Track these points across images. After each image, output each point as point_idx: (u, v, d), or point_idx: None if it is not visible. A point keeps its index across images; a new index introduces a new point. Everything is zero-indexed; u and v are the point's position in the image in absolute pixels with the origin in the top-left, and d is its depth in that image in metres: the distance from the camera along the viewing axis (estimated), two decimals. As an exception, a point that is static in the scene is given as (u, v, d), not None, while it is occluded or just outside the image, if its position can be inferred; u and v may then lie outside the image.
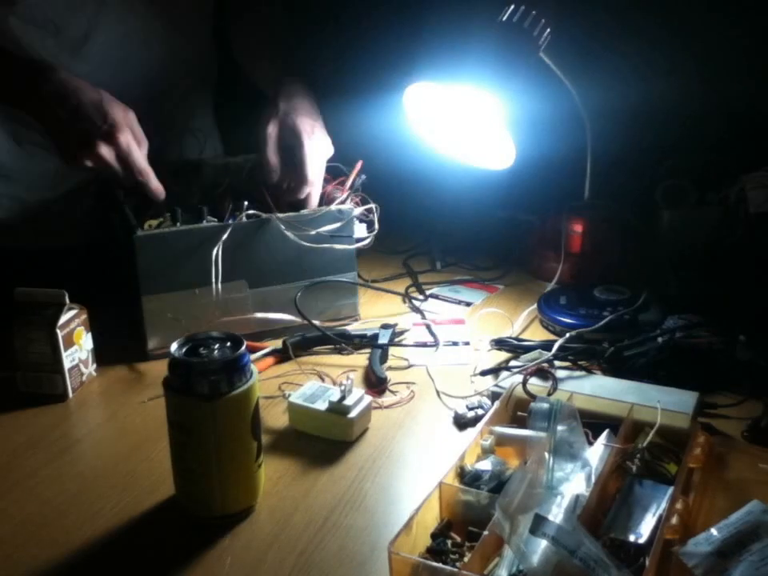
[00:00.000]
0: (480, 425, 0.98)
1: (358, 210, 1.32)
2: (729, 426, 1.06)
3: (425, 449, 1.04)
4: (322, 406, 1.05)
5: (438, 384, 1.18)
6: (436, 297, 1.47)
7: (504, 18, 1.21)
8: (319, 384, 1.10)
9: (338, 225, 1.29)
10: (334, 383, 1.16)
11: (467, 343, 1.29)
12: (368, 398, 1.07)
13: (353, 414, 1.04)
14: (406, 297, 1.45)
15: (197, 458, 0.89)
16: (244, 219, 1.24)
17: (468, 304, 1.44)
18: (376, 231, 1.34)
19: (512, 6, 1.21)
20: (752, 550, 0.77)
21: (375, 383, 1.17)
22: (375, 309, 1.42)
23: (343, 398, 1.04)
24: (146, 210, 1.25)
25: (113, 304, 1.28)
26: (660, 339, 1.17)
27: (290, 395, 1.09)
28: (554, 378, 1.06)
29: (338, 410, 1.04)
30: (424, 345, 1.29)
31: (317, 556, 0.86)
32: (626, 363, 1.17)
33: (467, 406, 1.09)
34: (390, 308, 1.43)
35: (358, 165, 1.36)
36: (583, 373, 1.15)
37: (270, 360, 1.24)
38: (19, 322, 1.13)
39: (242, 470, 0.91)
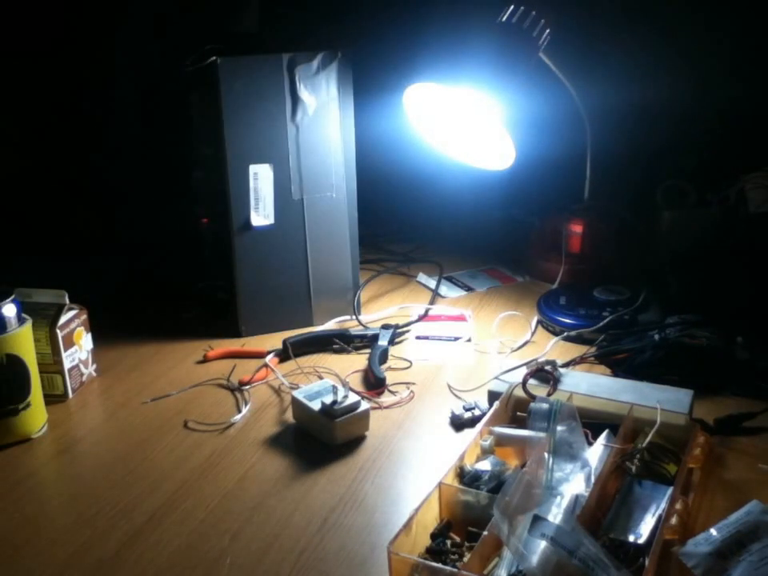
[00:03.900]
0: (479, 425, 0.98)
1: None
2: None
3: (424, 449, 1.05)
4: (317, 406, 1.05)
5: (441, 380, 1.19)
6: (451, 279, 1.54)
7: (503, 19, 1.22)
8: (331, 383, 1.08)
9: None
10: (343, 384, 1.15)
11: (469, 340, 1.30)
12: (365, 405, 1.06)
13: (339, 419, 1.03)
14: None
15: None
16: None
17: (470, 289, 1.49)
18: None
19: (511, 7, 1.21)
20: (751, 550, 0.77)
21: (374, 384, 1.17)
22: (379, 303, 1.44)
23: (335, 401, 1.04)
24: None
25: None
26: (657, 337, 1.17)
27: (297, 388, 1.10)
28: (554, 378, 1.06)
29: (327, 412, 1.04)
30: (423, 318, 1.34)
31: (317, 556, 0.86)
32: (625, 361, 1.18)
33: (464, 407, 1.09)
34: (396, 300, 1.45)
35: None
36: (583, 372, 1.15)
37: (272, 363, 1.24)
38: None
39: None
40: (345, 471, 1.00)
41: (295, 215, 1.30)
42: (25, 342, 1.05)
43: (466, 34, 1.35)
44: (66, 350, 1.15)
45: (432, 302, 1.44)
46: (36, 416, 1.08)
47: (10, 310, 1.02)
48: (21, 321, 1.05)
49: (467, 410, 1.09)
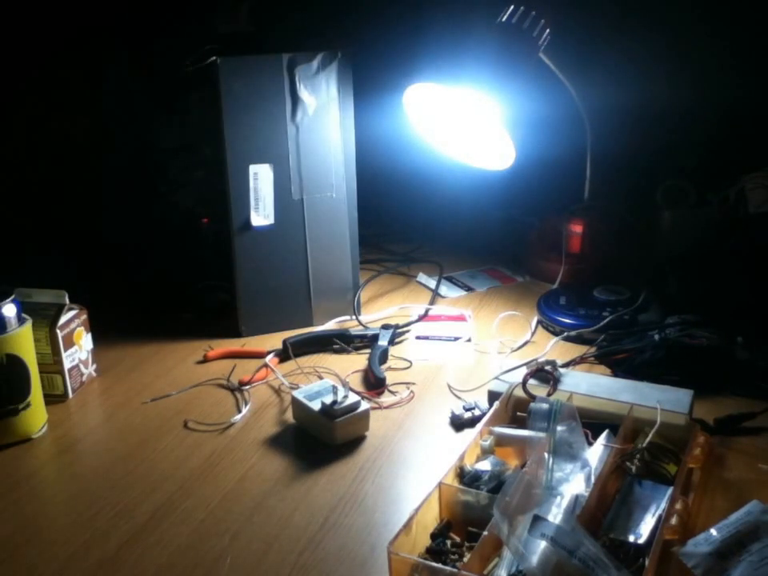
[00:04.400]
0: (479, 425, 0.98)
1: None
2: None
3: (424, 449, 1.04)
4: (317, 406, 1.05)
5: (441, 380, 1.19)
6: (451, 279, 1.53)
7: (503, 19, 1.21)
8: (331, 383, 1.08)
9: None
10: (343, 384, 1.15)
11: (469, 340, 1.30)
12: (365, 405, 1.06)
13: (339, 419, 1.03)
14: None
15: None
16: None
17: (470, 289, 1.49)
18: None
19: (511, 7, 1.21)
20: (751, 551, 0.77)
21: (374, 384, 1.17)
22: (379, 303, 1.44)
23: (335, 401, 1.04)
24: None
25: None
26: (657, 337, 1.17)
27: (297, 388, 1.10)
28: (554, 378, 1.06)
29: (327, 412, 1.04)
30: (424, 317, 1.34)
31: (317, 556, 0.86)
32: (625, 361, 1.18)
33: (464, 407, 1.09)
34: (396, 300, 1.45)
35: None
36: (583, 372, 1.15)
37: (272, 363, 1.24)
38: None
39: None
40: (345, 471, 1.00)
41: (295, 215, 1.30)
42: (25, 342, 1.05)
43: (466, 34, 1.36)
44: (65, 350, 1.15)
45: (432, 302, 1.44)
46: (36, 416, 1.08)
47: (9, 310, 1.02)
48: (21, 321, 1.05)
49: (467, 410, 1.09)
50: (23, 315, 1.05)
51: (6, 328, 1.02)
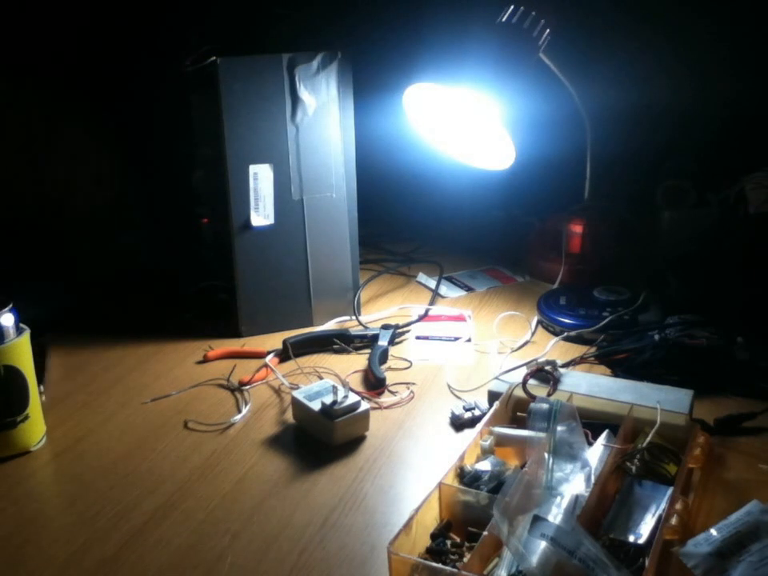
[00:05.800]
0: (479, 425, 0.98)
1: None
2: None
3: (424, 449, 1.05)
4: (317, 406, 1.05)
5: (441, 380, 1.19)
6: (451, 279, 1.54)
7: (503, 19, 1.22)
8: (331, 383, 1.08)
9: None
10: (343, 384, 1.15)
11: (469, 340, 1.30)
12: (365, 405, 1.06)
13: (339, 419, 1.03)
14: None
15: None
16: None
17: (470, 289, 1.49)
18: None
19: (511, 7, 1.21)
20: (751, 551, 0.77)
21: (374, 384, 1.17)
22: (379, 303, 1.44)
23: (335, 401, 1.04)
24: None
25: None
26: (657, 337, 1.17)
27: (297, 389, 1.10)
28: (554, 379, 1.06)
29: (327, 413, 1.04)
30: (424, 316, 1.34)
31: (317, 556, 0.86)
32: (625, 361, 1.18)
33: (464, 407, 1.09)
34: (396, 300, 1.45)
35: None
36: (583, 372, 1.15)
37: (272, 363, 1.24)
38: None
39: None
40: (345, 471, 1.00)
41: (295, 215, 1.30)
42: (23, 353, 1.02)
43: (466, 34, 1.35)
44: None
45: (432, 302, 1.44)
46: (35, 428, 1.06)
47: (8, 319, 0.99)
48: (19, 331, 1.02)
49: (467, 410, 1.09)
50: (21, 325, 1.02)
51: (4, 338, 0.99)
